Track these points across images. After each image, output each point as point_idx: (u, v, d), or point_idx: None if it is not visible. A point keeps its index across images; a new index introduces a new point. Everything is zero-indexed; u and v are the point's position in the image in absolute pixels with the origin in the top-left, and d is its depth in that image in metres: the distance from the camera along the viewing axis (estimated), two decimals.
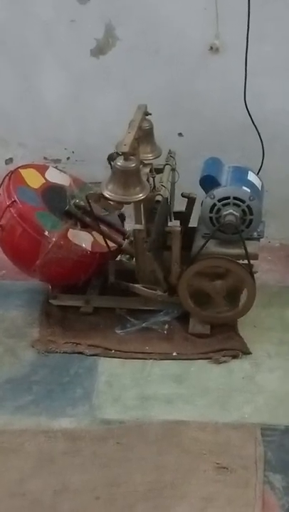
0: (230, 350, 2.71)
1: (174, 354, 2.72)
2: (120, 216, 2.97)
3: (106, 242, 2.75)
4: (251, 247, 2.66)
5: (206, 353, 2.71)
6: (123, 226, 2.97)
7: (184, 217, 2.89)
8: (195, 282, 2.71)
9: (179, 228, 2.66)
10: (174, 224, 2.83)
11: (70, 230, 2.75)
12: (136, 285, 2.80)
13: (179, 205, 2.91)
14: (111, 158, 2.66)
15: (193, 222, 2.86)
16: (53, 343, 2.77)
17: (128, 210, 2.86)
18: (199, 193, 2.71)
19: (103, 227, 2.81)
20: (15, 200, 2.69)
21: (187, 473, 2.22)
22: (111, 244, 2.80)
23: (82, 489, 2.18)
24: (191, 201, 2.86)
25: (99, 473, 2.23)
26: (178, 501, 2.14)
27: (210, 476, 2.21)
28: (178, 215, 2.91)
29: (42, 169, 2.95)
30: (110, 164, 2.68)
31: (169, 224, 2.84)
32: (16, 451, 2.32)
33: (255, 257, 2.69)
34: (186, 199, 2.86)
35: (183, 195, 2.84)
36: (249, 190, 2.62)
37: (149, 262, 2.71)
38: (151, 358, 2.70)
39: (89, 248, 2.76)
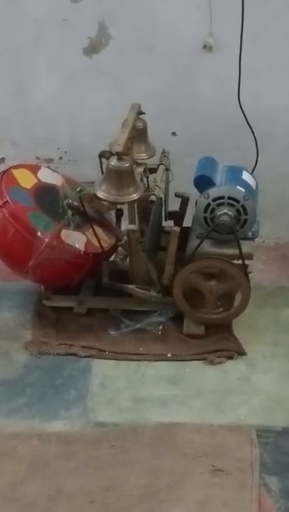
0: (225, 351, 2.69)
1: (169, 355, 2.71)
2: (118, 211, 2.92)
3: (99, 242, 2.73)
4: (246, 247, 2.65)
5: (201, 353, 2.70)
6: (120, 222, 2.93)
7: (178, 217, 2.87)
8: (190, 282, 2.69)
9: (178, 229, 2.63)
10: (168, 224, 2.81)
11: (63, 230, 2.73)
12: (130, 286, 2.79)
13: (173, 204, 2.89)
14: (102, 155, 2.64)
15: (186, 222, 2.84)
16: (46, 344, 2.74)
17: (123, 209, 2.85)
18: (193, 192, 2.69)
19: (95, 228, 2.79)
20: (7, 201, 2.67)
21: (183, 476, 2.20)
22: (105, 244, 2.78)
23: (76, 493, 2.16)
24: (184, 201, 2.84)
25: (93, 476, 2.21)
26: (173, 504, 2.12)
27: (206, 478, 2.20)
28: (172, 215, 2.89)
29: (34, 169, 2.93)
30: (100, 161, 2.66)
31: (165, 224, 2.82)
32: (9, 454, 2.29)
33: (250, 256, 2.67)
34: (180, 199, 2.84)
35: (177, 195, 2.82)
36: (243, 190, 2.61)
37: (143, 263, 2.70)
38: (145, 359, 2.69)
39: (82, 249, 2.73)
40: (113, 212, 2.90)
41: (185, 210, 2.86)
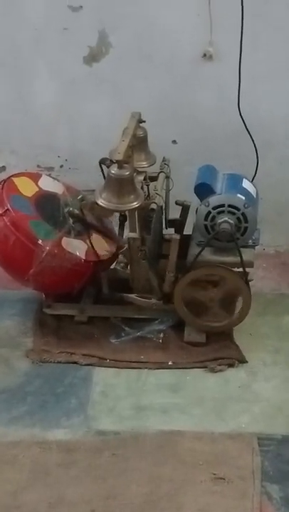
0: (226, 358, 2.69)
1: (170, 363, 2.70)
2: (121, 217, 2.91)
3: (95, 251, 2.73)
4: (246, 254, 2.65)
5: (202, 361, 2.69)
6: (123, 227, 2.92)
7: (178, 224, 2.87)
8: (190, 290, 2.69)
9: (178, 236, 2.64)
10: (169, 232, 2.81)
11: (64, 238, 2.73)
12: (130, 295, 2.79)
13: (173, 212, 2.89)
14: (103, 162, 2.64)
15: (187, 230, 2.84)
16: (47, 352, 2.74)
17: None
18: (194, 200, 2.70)
19: (96, 236, 2.79)
20: (8, 209, 2.67)
21: (183, 484, 2.20)
22: (105, 252, 2.78)
23: (77, 501, 2.15)
24: (185, 209, 2.84)
25: (94, 485, 2.20)
26: None
27: (207, 487, 2.19)
28: (172, 223, 2.89)
29: (35, 177, 2.93)
30: (101, 168, 2.66)
31: (165, 232, 2.82)
32: (10, 463, 2.29)
33: (251, 264, 2.67)
34: (181, 207, 2.84)
35: (177, 203, 2.83)
36: (244, 198, 2.61)
37: (144, 271, 2.70)
38: (146, 367, 2.69)
39: (83, 256, 2.74)
40: (115, 218, 2.90)
41: (185, 218, 2.86)
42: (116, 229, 2.93)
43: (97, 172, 2.74)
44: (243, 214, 2.60)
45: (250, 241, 2.70)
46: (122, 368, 2.68)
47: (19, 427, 2.43)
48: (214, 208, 2.61)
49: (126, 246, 2.71)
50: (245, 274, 2.65)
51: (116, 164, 2.46)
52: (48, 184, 2.92)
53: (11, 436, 2.39)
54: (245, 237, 2.65)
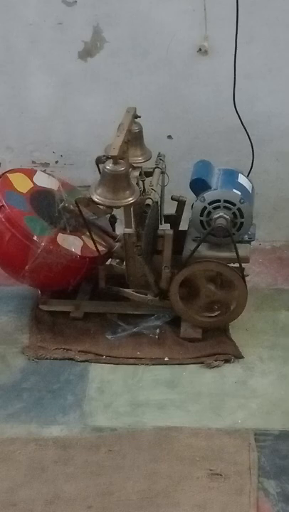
0: (222, 354, 2.69)
1: (166, 359, 2.70)
2: (112, 218, 2.93)
3: (96, 246, 2.73)
4: (242, 250, 2.64)
5: (198, 357, 2.69)
6: (114, 229, 2.94)
7: (174, 220, 2.87)
8: (185, 286, 2.69)
9: (171, 232, 2.63)
10: (165, 227, 2.81)
11: (59, 234, 2.72)
12: (126, 290, 2.78)
13: (169, 208, 2.89)
14: (99, 161, 2.63)
15: (183, 226, 2.84)
16: (43, 349, 2.74)
17: (118, 214, 2.84)
18: (189, 195, 2.69)
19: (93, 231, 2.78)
20: (3, 205, 2.67)
21: (180, 480, 2.20)
22: (102, 247, 2.78)
23: (74, 498, 2.15)
24: (180, 204, 2.84)
25: (91, 481, 2.20)
26: (171, 509, 2.11)
27: (203, 482, 2.19)
28: (168, 218, 2.88)
29: (30, 173, 2.93)
30: (98, 167, 2.66)
31: (160, 227, 2.82)
32: (6, 459, 2.29)
33: (247, 260, 2.67)
34: (176, 202, 2.83)
35: (173, 198, 2.82)
36: (240, 193, 2.61)
37: (140, 267, 2.69)
38: (142, 364, 2.68)
39: (78, 253, 2.73)
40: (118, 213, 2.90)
41: (181, 214, 2.85)
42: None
43: (92, 168, 2.73)
44: (238, 209, 2.59)
45: (246, 236, 2.70)
46: (118, 364, 2.68)
47: (15, 424, 2.42)
48: (210, 204, 2.60)
49: (121, 243, 2.70)
50: (241, 269, 2.65)
51: (111, 160, 2.45)
52: (42, 180, 2.92)
53: (7, 433, 2.38)
54: (241, 232, 2.64)
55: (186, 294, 2.73)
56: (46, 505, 2.13)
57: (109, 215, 2.87)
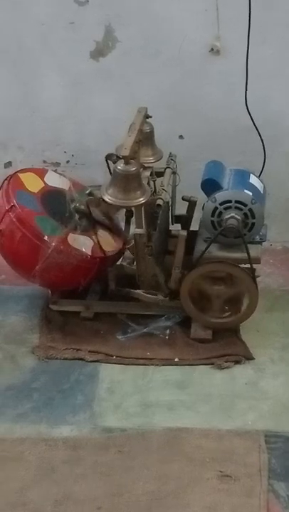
0: (232, 355, 2.68)
1: (176, 360, 2.69)
2: (128, 212, 2.89)
3: (101, 248, 2.72)
4: (253, 250, 2.63)
5: (209, 358, 2.68)
6: (130, 223, 2.90)
7: (185, 220, 2.86)
8: (197, 286, 2.68)
9: (185, 233, 2.62)
10: (176, 228, 2.80)
11: (70, 234, 2.72)
12: (136, 291, 2.78)
13: (180, 208, 2.88)
14: (109, 158, 2.62)
15: (193, 226, 2.83)
16: (53, 349, 2.73)
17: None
18: (200, 196, 2.68)
19: (102, 232, 2.78)
20: (14, 205, 2.66)
21: (190, 481, 2.19)
22: (112, 248, 2.77)
23: (83, 499, 2.14)
24: (192, 204, 2.83)
25: (100, 482, 2.20)
26: (181, 511, 2.11)
27: (213, 484, 2.18)
28: (179, 219, 2.88)
29: (41, 173, 2.92)
30: (108, 163, 2.65)
31: (172, 228, 2.81)
32: (16, 459, 2.29)
33: (258, 260, 2.66)
34: (187, 202, 2.83)
35: (184, 199, 2.81)
36: (251, 194, 2.60)
37: (151, 267, 2.68)
38: (152, 364, 2.67)
39: (89, 253, 2.73)
40: (122, 214, 2.88)
41: (192, 214, 2.85)
42: (122, 224, 2.92)
43: (103, 167, 2.72)
44: (250, 210, 2.58)
45: (257, 237, 2.69)
46: (128, 364, 2.67)
47: (25, 424, 2.42)
48: (221, 204, 2.59)
49: (132, 242, 2.69)
50: (252, 270, 2.64)
51: (122, 160, 2.45)
52: (54, 180, 2.91)
53: (17, 433, 2.39)
54: (252, 232, 2.63)
55: (197, 296, 2.72)
56: (56, 505, 2.13)
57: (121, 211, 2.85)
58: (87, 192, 2.66)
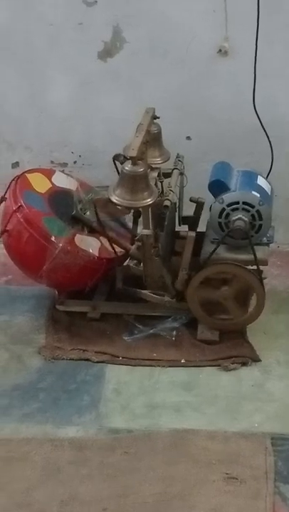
0: (239, 357, 2.67)
1: (183, 361, 2.69)
2: (136, 213, 2.89)
3: (113, 248, 2.72)
4: (260, 252, 2.63)
5: (215, 360, 2.68)
6: (137, 223, 2.90)
7: (192, 221, 2.86)
8: (203, 288, 2.68)
9: (194, 234, 2.62)
10: (183, 229, 2.79)
11: (77, 235, 2.72)
12: (143, 291, 2.77)
13: (187, 209, 2.87)
14: (116, 158, 2.62)
15: (200, 227, 2.82)
16: (59, 349, 2.73)
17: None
18: (208, 197, 2.68)
19: (110, 233, 2.77)
20: (21, 205, 2.66)
21: (196, 483, 2.18)
22: (118, 249, 2.77)
23: (89, 500, 2.14)
24: (199, 206, 2.82)
25: (106, 483, 2.19)
26: None
27: (219, 486, 2.18)
28: (186, 220, 2.87)
29: (48, 173, 2.93)
30: (115, 164, 2.65)
31: (180, 229, 2.80)
32: (22, 460, 2.28)
33: (265, 262, 2.65)
34: (195, 203, 2.82)
35: (191, 200, 2.81)
36: (258, 195, 2.59)
37: (158, 268, 2.68)
38: (159, 365, 2.67)
39: (96, 254, 2.73)
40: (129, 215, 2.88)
41: (199, 215, 2.84)
42: (129, 224, 2.92)
43: (111, 168, 2.72)
44: (257, 211, 2.58)
45: (264, 238, 2.69)
46: (134, 365, 2.67)
47: (31, 424, 2.42)
48: (228, 205, 2.59)
49: (139, 243, 2.69)
50: (259, 271, 2.63)
51: (130, 161, 2.44)
52: (61, 180, 2.91)
53: (24, 433, 2.38)
54: (259, 234, 2.63)
55: (204, 298, 2.72)
56: (61, 506, 2.12)
57: (129, 213, 2.85)
58: (89, 196, 2.65)
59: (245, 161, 2.90)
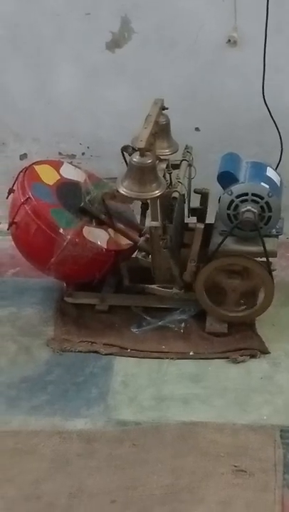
0: (248, 349, 2.66)
1: (191, 353, 2.68)
2: (144, 204, 2.88)
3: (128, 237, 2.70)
4: (270, 244, 2.61)
5: (224, 352, 2.67)
6: (145, 215, 2.88)
7: (200, 213, 2.84)
8: (213, 279, 2.67)
9: (203, 226, 2.61)
10: (192, 221, 2.78)
11: (86, 227, 2.71)
12: (151, 286, 2.76)
13: (196, 201, 2.86)
14: (125, 150, 2.61)
15: (209, 219, 2.81)
16: (67, 341, 2.74)
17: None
18: (217, 188, 2.66)
19: (119, 225, 2.76)
20: (29, 197, 2.66)
21: (204, 476, 2.18)
22: (126, 241, 2.76)
23: (97, 492, 2.15)
24: (204, 196, 2.81)
25: (114, 475, 2.19)
26: (195, 505, 2.10)
27: (228, 479, 2.17)
28: (194, 212, 2.86)
29: (57, 165, 2.92)
30: (124, 155, 2.63)
31: (188, 221, 2.79)
32: (30, 452, 2.29)
33: (274, 254, 2.64)
34: (200, 195, 2.81)
35: (196, 191, 2.79)
36: (268, 187, 2.57)
37: (166, 260, 2.67)
38: (167, 358, 2.67)
39: (104, 246, 2.72)
40: (138, 206, 2.87)
41: (206, 206, 2.83)
42: (138, 217, 2.91)
43: (119, 159, 2.71)
44: (266, 203, 2.56)
45: (273, 230, 2.67)
46: (142, 357, 2.67)
47: (40, 416, 2.42)
48: (237, 197, 2.57)
49: (147, 235, 2.68)
50: (268, 263, 2.62)
51: (138, 152, 2.43)
52: (69, 172, 2.90)
53: (32, 425, 2.39)
54: (268, 226, 2.61)
55: (212, 289, 2.71)
56: (70, 498, 2.13)
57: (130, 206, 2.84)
58: (102, 193, 2.64)
59: (254, 151, 2.88)
